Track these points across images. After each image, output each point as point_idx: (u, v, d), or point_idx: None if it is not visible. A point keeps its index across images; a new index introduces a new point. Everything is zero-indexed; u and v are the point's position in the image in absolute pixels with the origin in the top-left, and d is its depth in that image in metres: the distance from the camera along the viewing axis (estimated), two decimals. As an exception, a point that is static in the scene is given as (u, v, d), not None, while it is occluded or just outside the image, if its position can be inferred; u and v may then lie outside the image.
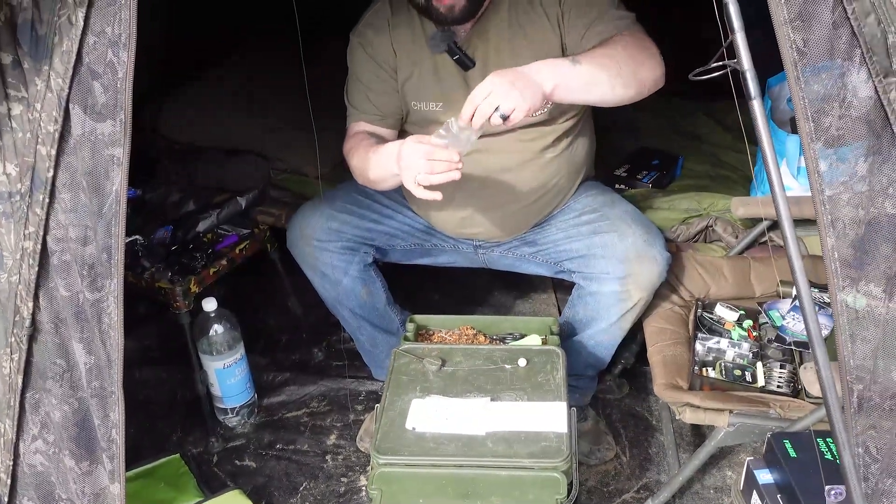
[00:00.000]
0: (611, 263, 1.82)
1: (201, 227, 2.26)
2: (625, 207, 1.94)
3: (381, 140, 1.86)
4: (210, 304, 2.03)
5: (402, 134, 1.95)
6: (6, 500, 1.45)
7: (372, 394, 2.28)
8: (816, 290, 1.81)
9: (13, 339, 1.34)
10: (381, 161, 1.73)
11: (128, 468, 1.73)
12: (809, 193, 1.20)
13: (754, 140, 1.18)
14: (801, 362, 1.76)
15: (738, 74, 1.12)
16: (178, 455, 2.02)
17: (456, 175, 1.54)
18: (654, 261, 1.81)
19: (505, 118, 1.51)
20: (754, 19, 1.18)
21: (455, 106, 1.80)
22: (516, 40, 1.76)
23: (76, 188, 1.27)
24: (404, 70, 1.84)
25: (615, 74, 1.61)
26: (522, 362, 1.68)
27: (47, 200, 1.27)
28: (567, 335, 1.95)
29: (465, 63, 1.74)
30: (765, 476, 1.57)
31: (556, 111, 1.82)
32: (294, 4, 1.58)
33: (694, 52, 1.32)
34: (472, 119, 1.53)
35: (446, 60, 1.77)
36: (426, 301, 2.55)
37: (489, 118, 1.51)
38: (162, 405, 2.28)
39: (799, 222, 1.18)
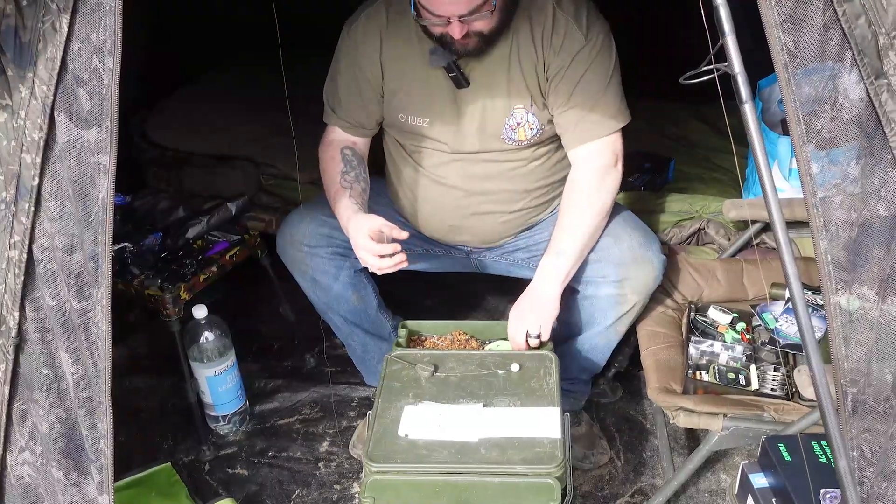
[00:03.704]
0: (607, 267, 1.81)
1: (191, 233, 2.24)
2: (619, 211, 1.93)
3: (354, 148, 1.90)
4: (200, 311, 2.02)
5: (381, 133, 1.95)
6: (-7, 511, 1.43)
7: (364, 400, 2.26)
8: (809, 292, 1.81)
9: (-1, 350, 1.33)
10: (336, 213, 1.83)
11: (118, 477, 1.73)
12: (801, 195, 1.19)
13: (744, 142, 1.17)
14: (795, 365, 1.76)
15: (725, 78, 1.11)
16: (169, 464, 2.00)
17: (404, 264, 1.71)
18: (651, 264, 1.80)
19: (538, 336, 1.77)
20: (742, 21, 1.18)
21: (442, 121, 1.80)
22: (514, 70, 1.75)
23: (62, 196, 1.25)
24: (392, 82, 1.83)
25: (592, 226, 1.79)
26: (515, 367, 1.67)
27: (33, 209, 1.26)
28: (562, 339, 1.94)
29: (460, 82, 1.74)
30: (760, 480, 1.56)
31: (543, 137, 1.83)
32: (275, 14, 1.57)
33: (683, 55, 1.32)
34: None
35: (438, 76, 1.76)
36: (418, 306, 2.54)
37: (528, 343, 1.78)
38: (153, 413, 2.26)
39: (791, 224, 1.18)
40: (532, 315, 1.78)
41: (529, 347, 1.78)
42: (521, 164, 1.85)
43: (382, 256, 1.69)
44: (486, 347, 1.85)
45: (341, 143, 1.90)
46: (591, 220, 1.79)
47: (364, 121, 1.89)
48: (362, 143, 1.94)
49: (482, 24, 1.63)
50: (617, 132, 1.79)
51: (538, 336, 1.77)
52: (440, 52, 1.71)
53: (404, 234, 1.72)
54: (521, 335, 1.78)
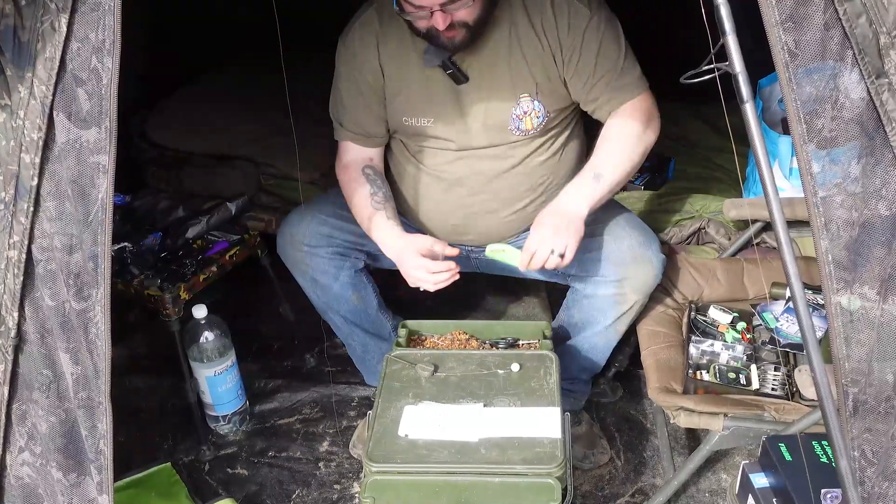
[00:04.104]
0: (606, 266, 1.81)
1: (191, 233, 2.24)
2: (619, 210, 1.93)
3: (373, 166, 1.89)
4: (200, 311, 2.02)
5: (391, 140, 1.94)
6: (-7, 512, 1.43)
7: (364, 400, 2.26)
8: (810, 292, 1.80)
9: (-1, 350, 1.33)
10: (379, 239, 1.82)
11: (118, 477, 1.73)
12: (802, 194, 1.19)
13: (744, 141, 1.17)
14: (796, 365, 1.75)
15: (725, 77, 1.11)
16: (169, 464, 2.00)
17: (456, 276, 1.73)
18: (650, 263, 1.80)
19: (561, 256, 1.66)
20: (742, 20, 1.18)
21: (445, 120, 1.80)
22: (516, 59, 1.75)
23: (61, 196, 1.25)
24: (393, 86, 1.83)
25: (631, 164, 1.76)
26: (515, 367, 1.67)
27: (32, 209, 1.25)
28: (562, 339, 1.94)
29: (458, 77, 1.74)
30: (760, 479, 1.56)
31: (549, 125, 1.82)
32: (276, 14, 1.57)
33: (682, 54, 1.31)
34: (528, 264, 1.70)
35: (437, 75, 1.76)
36: (418, 306, 2.52)
37: (545, 262, 1.68)
38: (152, 413, 2.26)
39: (791, 223, 1.18)
40: (562, 233, 1.67)
41: (542, 271, 1.70)
42: (526, 160, 1.85)
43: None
44: (488, 248, 1.80)
45: (359, 163, 1.90)
46: (630, 151, 1.75)
47: (373, 128, 1.89)
48: (377, 158, 1.94)
49: (465, 14, 1.62)
50: (646, 93, 1.78)
51: (562, 256, 1.66)
52: (433, 51, 1.71)
53: (455, 251, 1.76)
54: (545, 252, 1.67)
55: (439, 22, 1.60)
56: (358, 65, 1.83)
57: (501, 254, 1.78)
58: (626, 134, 1.75)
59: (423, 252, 1.72)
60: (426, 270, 1.71)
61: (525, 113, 1.78)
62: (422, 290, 1.76)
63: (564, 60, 1.75)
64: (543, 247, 1.67)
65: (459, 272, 1.75)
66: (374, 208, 1.82)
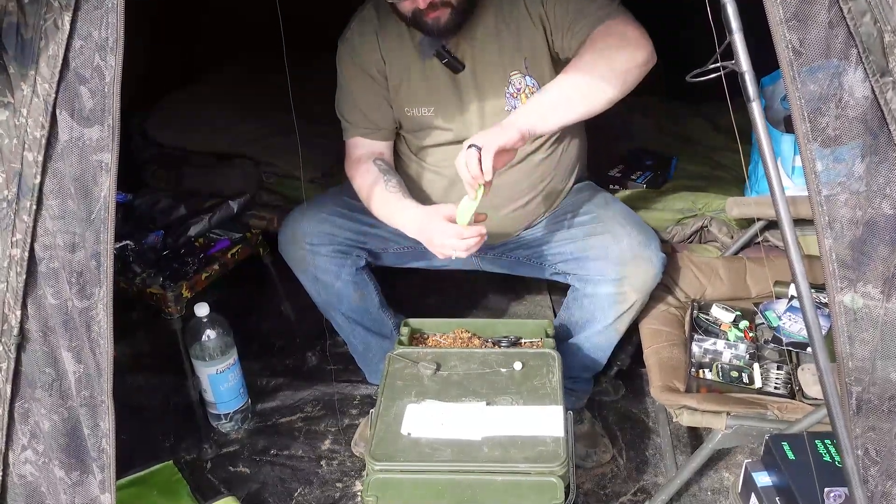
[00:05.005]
0: (606, 265, 1.81)
1: (193, 231, 2.24)
2: (619, 208, 1.93)
3: (384, 159, 1.88)
4: (202, 310, 2.02)
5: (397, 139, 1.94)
6: (-4, 510, 1.43)
7: (366, 398, 2.26)
8: (813, 291, 1.80)
9: (1, 348, 1.32)
10: (393, 217, 1.79)
11: (120, 475, 1.72)
12: (805, 193, 1.19)
13: (746, 140, 1.17)
14: (798, 363, 1.75)
15: (730, 75, 1.11)
16: (171, 462, 2.00)
17: (485, 238, 1.65)
18: (650, 262, 1.80)
19: (479, 149, 1.53)
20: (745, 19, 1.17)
21: (446, 110, 1.80)
22: (503, 39, 1.76)
23: (64, 194, 1.25)
24: (395, 77, 1.83)
25: (592, 80, 1.58)
26: (518, 366, 1.66)
27: (34, 207, 1.25)
28: (563, 338, 1.94)
29: (455, 66, 1.74)
30: (763, 478, 1.56)
31: None
32: (279, 12, 1.57)
33: (685, 53, 1.31)
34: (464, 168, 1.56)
35: (435, 65, 1.77)
36: (420, 304, 2.53)
37: (465, 160, 1.54)
38: (155, 411, 2.26)
39: (795, 222, 1.17)
40: (489, 133, 1.56)
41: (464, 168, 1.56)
42: (527, 158, 1.85)
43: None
44: (457, 213, 1.65)
45: (369, 157, 1.89)
46: (590, 72, 1.59)
47: (381, 121, 1.89)
48: (387, 152, 1.93)
49: None
50: (620, 17, 1.65)
51: (479, 148, 1.53)
52: (427, 41, 1.72)
53: (482, 215, 1.67)
54: (464, 152, 1.55)
55: (420, 1, 1.60)
56: (361, 60, 1.83)
57: (464, 212, 1.63)
58: (587, 52, 1.61)
59: (449, 217, 1.65)
60: (458, 236, 1.63)
61: (518, 90, 1.78)
62: (453, 257, 1.67)
63: (546, 11, 1.71)
64: (463, 151, 1.56)
65: (460, 271, 1.74)
66: (389, 192, 1.80)
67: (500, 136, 1.54)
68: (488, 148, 1.53)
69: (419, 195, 1.93)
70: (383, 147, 1.92)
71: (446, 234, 1.64)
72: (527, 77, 1.77)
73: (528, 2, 1.74)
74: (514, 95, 1.78)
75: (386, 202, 1.81)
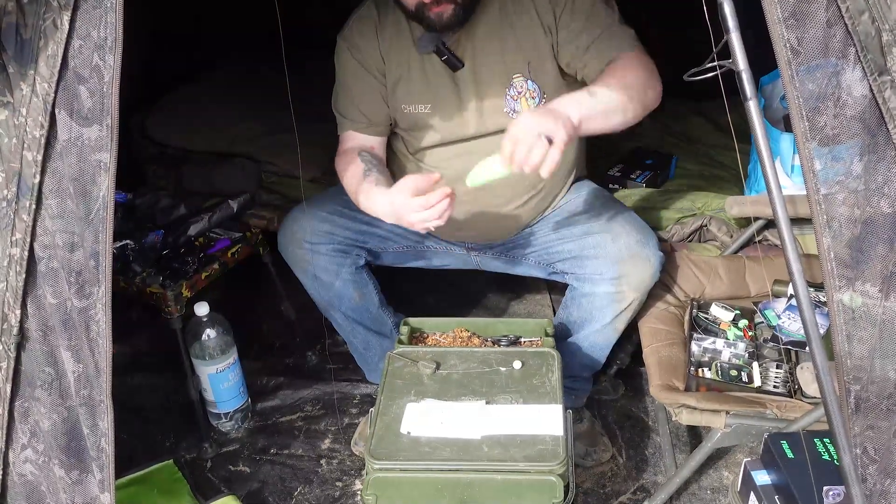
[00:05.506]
0: (604, 264, 1.81)
1: (193, 230, 2.23)
2: (617, 207, 1.93)
3: (372, 153, 1.86)
4: (202, 309, 2.02)
5: (389, 136, 1.94)
6: (-4, 509, 1.43)
7: (366, 397, 2.26)
8: (812, 290, 1.80)
9: (1, 347, 1.33)
10: (371, 208, 1.74)
11: (120, 475, 1.73)
12: (804, 192, 1.19)
13: (745, 139, 1.17)
14: (798, 362, 1.75)
15: (728, 75, 1.11)
16: (171, 461, 2.00)
17: (453, 199, 1.59)
18: (648, 261, 1.80)
19: (550, 141, 1.43)
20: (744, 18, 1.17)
21: (443, 107, 1.80)
22: (506, 40, 1.75)
23: (63, 194, 1.25)
24: (393, 73, 1.83)
25: (628, 100, 1.59)
26: (517, 365, 1.67)
27: (34, 206, 1.26)
28: (561, 337, 1.94)
29: (454, 63, 1.74)
30: (762, 477, 1.56)
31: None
32: (278, 12, 1.58)
33: (684, 51, 1.31)
34: (513, 156, 1.46)
35: (434, 62, 1.77)
36: (420, 303, 2.53)
37: (531, 150, 1.43)
38: (155, 411, 2.26)
39: (794, 221, 1.18)
40: (549, 120, 1.45)
41: (525, 152, 1.44)
42: None
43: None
44: (470, 177, 1.57)
45: (357, 149, 1.89)
46: (628, 90, 1.59)
47: (376, 115, 1.88)
48: (379, 147, 1.92)
49: None
50: (641, 51, 1.68)
51: (551, 141, 1.43)
52: (427, 38, 1.72)
53: (436, 175, 1.64)
54: (531, 137, 1.43)
55: None
56: (360, 55, 1.83)
57: (483, 174, 1.55)
58: (628, 74, 1.62)
59: (412, 191, 1.61)
60: (423, 207, 1.58)
61: (519, 93, 1.78)
62: (432, 229, 1.64)
63: (557, 22, 1.72)
64: (528, 132, 1.43)
65: (460, 271, 1.73)
66: (367, 183, 1.76)
67: (564, 128, 1.44)
68: (559, 144, 1.43)
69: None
70: (375, 142, 1.91)
71: (412, 209, 1.60)
72: (529, 81, 1.77)
73: (539, 7, 1.73)
74: (515, 98, 1.78)
75: (363, 192, 1.77)
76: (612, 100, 1.58)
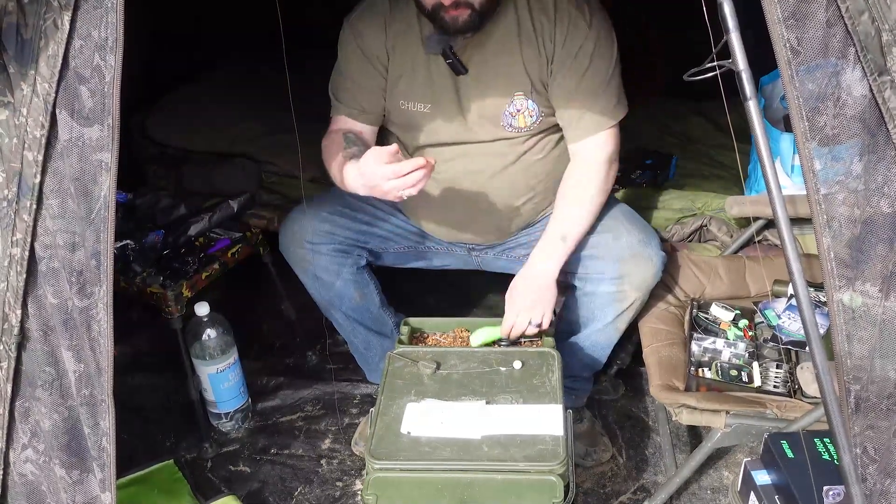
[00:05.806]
0: (605, 264, 1.81)
1: (193, 230, 2.23)
2: (619, 207, 1.93)
3: (360, 137, 1.86)
4: (202, 309, 2.02)
5: (384, 133, 1.94)
6: (-3, 509, 1.43)
7: (366, 397, 2.26)
8: (812, 290, 1.80)
9: (2, 347, 1.33)
10: (346, 185, 1.74)
11: (121, 474, 1.73)
12: (804, 192, 1.19)
13: (746, 139, 1.17)
14: (798, 362, 1.75)
15: (728, 75, 1.11)
16: (171, 461, 2.01)
17: (429, 171, 1.59)
18: (650, 260, 1.80)
19: (539, 325, 1.81)
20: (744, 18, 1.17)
21: (442, 108, 1.80)
22: (514, 56, 1.75)
23: (64, 194, 1.25)
24: (396, 68, 1.82)
25: (591, 219, 1.83)
26: (518, 365, 1.67)
27: (35, 206, 1.26)
28: (563, 336, 1.94)
29: (458, 68, 1.74)
30: (762, 477, 1.56)
31: (543, 126, 1.82)
32: (278, 12, 1.57)
33: (684, 52, 1.31)
34: (510, 333, 1.83)
35: (440, 63, 1.76)
36: (420, 303, 2.53)
37: (525, 330, 1.82)
38: (155, 411, 2.27)
39: (794, 221, 1.18)
40: (537, 305, 1.81)
41: (524, 337, 1.82)
42: (522, 158, 1.84)
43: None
44: (473, 336, 1.85)
45: (344, 130, 1.87)
46: (593, 209, 1.82)
47: (367, 104, 1.87)
48: (368, 133, 1.90)
49: None
50: (613, 128, 1.81)
51: (539, 325, 1.81)
52: (436, 39, 1.71)
53: (394, 147, 1.62)
54: (524, 324, 1.81)
55: None
56: (364, 43, 1.81)
57: (487, 336, 1.85)
58: (588, 193, 1.82)
59: (384, 159, 1.58)
60: (396, 175, 1.56)
61: (518, 111, 1.78)
62: (405, 197, 1.61)
63: (552, 71, 1.75)
64: (521, 318, 1.81)
65: (460, 271, 1.74)
66: (344, 157, 1.74)
67: (549, 302, 1.82)
68: (546, 320, 1.83)
69: (416, 198, 1.92)
70: (365, 129, 1.89)
71: (385, 177, 1.57)
72: (529, 101, 1.77)
73: (543, 34, 1.73)
74: (513, 114, 1.78)
75: (339, 168, 1.75)
76: (581, 233, 1.82)
